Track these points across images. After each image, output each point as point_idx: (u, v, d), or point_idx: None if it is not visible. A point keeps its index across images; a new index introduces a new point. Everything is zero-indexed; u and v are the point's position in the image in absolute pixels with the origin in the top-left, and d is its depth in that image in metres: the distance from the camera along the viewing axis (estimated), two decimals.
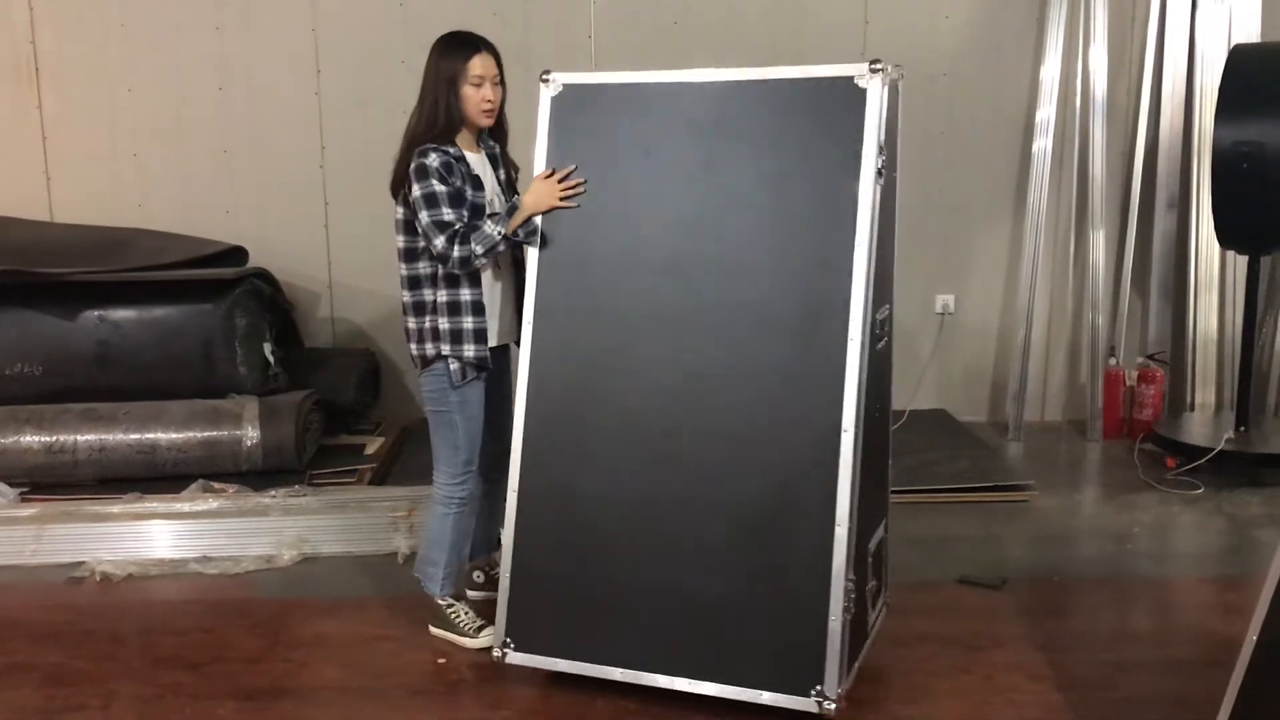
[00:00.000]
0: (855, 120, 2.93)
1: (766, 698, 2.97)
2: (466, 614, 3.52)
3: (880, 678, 3.25)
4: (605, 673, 3.12)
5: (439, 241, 3.17)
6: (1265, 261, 5.23)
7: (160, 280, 5.07)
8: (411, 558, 4.13)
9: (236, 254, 5.43)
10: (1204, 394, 5.66)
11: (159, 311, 5.05)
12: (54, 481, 4.72)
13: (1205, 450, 4.91)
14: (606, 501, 3.14)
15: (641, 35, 5.59)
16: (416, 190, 3.19)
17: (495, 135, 3.44)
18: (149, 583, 4.03)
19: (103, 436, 4.74)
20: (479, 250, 3.16)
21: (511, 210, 3.18)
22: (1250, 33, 5.50)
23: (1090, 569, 4.12)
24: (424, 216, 3.18)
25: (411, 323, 3.36)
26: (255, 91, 5.60)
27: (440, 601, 3.54)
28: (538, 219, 3.18)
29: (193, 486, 4.59)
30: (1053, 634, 3.54)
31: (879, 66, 2.92)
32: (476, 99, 3.28)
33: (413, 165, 3.20)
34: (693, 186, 3.12)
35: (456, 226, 3.17)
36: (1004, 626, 3.59)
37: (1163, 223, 5.69)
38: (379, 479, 4.88)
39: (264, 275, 5.31)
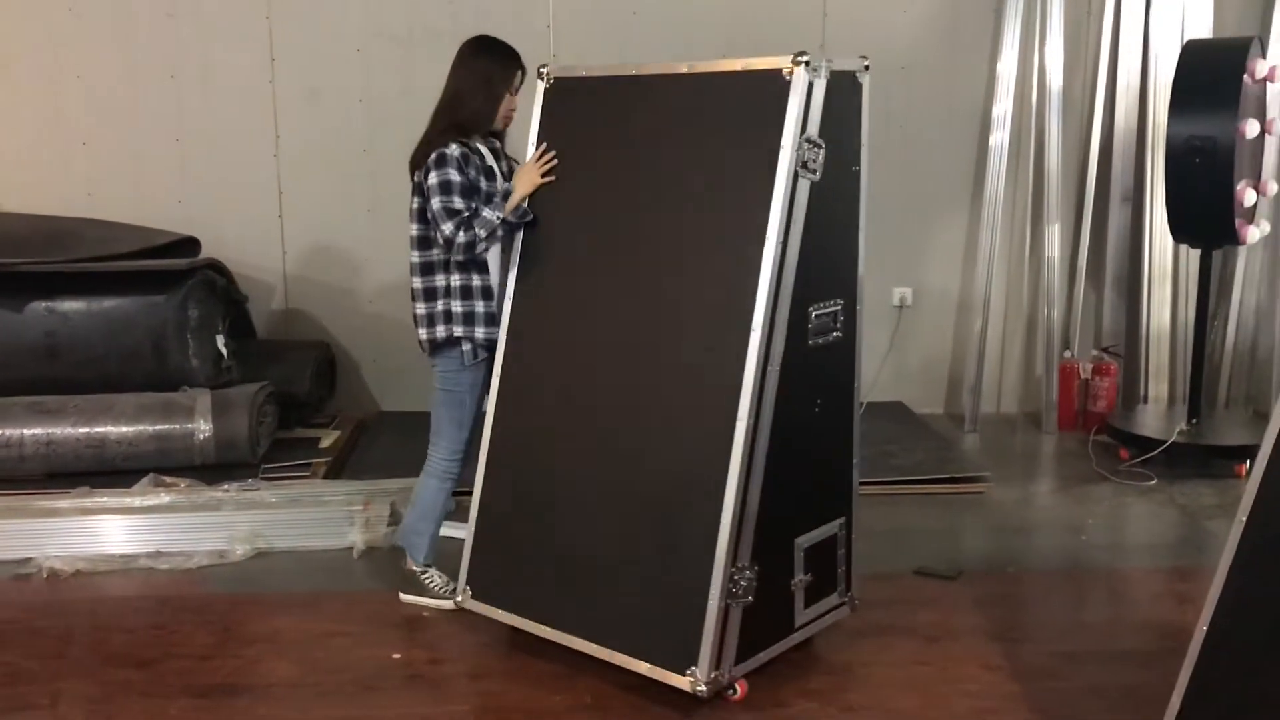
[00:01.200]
0: (778, 114, 2.93)
1: (644, 669, 3.06)
2: (440, 577, 3.69)
3: (837, 669, 3.26)
4: (537, 629, 3.29)
5: (447, 227, 3.32)
6: (1217, 255, 5.30)
7: (110, 271, 4.98)
8: (367, 552, 4.11)
9: (189, 244, 5.35)
10: (1157, 386, 5.73)
11: (109, 303, 4.97)
12: (1, 476, 4.62)
13: (1158, 442, 4.97)
14: (553, 473, 3.33)
15: (601, 26, 5.56)
16: (433, 177, 3.35)
17: (495, 131, 3.59)
18: (98, 579, 3.96)
19: (51, 430, 4.65)
20: (481, 234, 3.32)
21: (505, 195, 3.36)
22: (1203, 28, 5.56)
23: (1045, 560, 4.15)
24: (435, 202, 3.34)
25: (421, 308, 3.50)
26: (208, 79, 5.51)
27: (417, 569, 3.71)
28: (525, 203, 3.36)
29: (144, 481, 4.51)
30: (1008, 624, 3.57)
31: (804, 59, 2.90)
32: (507, 108, 3.52)
33: (434, 153, 3.36)
34: (640, 178, 3.24)
35: (464, 214, 3.33)
36: (960, 617, 3.61)
37: (1117, 217, 5.74)
38: (334, 473, 4.82)
39: (217, 266, 5.23)
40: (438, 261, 3.46)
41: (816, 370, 3.11)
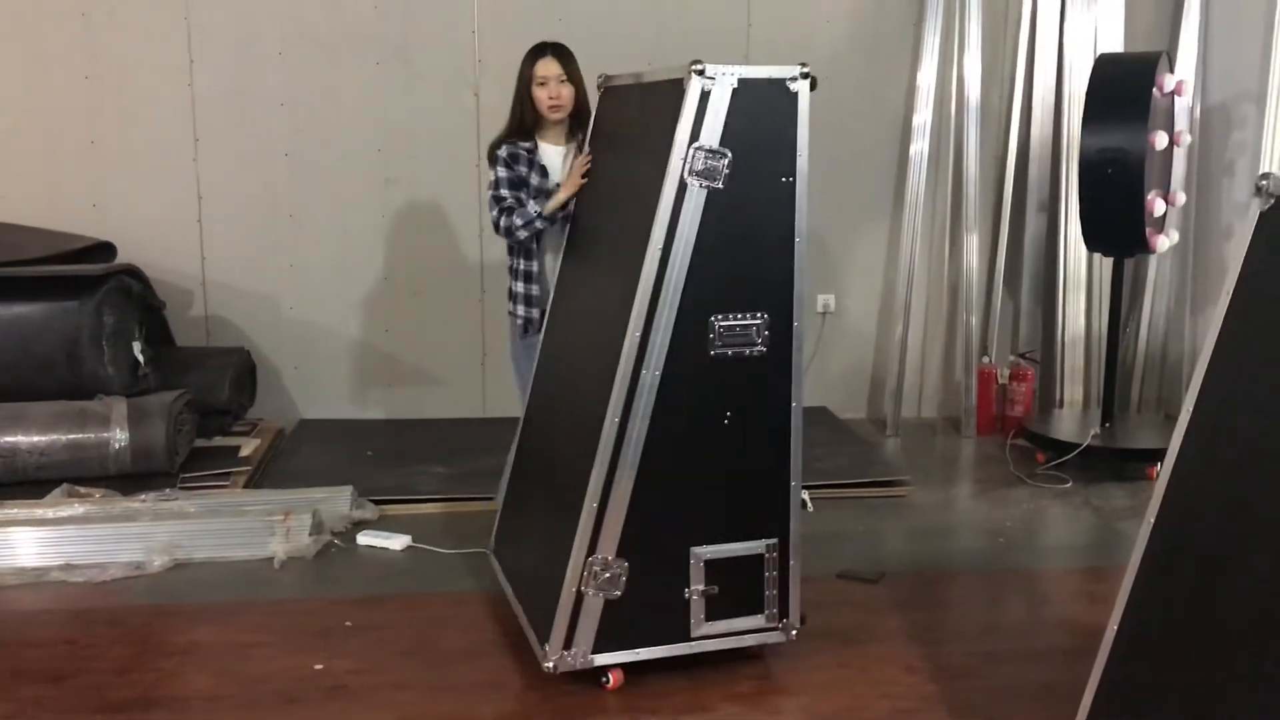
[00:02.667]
0: (674, 122, 2.96)
1: (532, 638, 3.28)
2: None
3: (762, 673, 3.28)
4: (503, 588, 3.66)
5: (492, 214, 3.76)
6: (1129, 264, 5.44)
7: (21, 276, 4.85)
8: (289, 562, 4.05)
9: (104, 250, 5.23)
10: (1072, 391, 5.87)
11: (20, 309, 4.83)
12: None
13: (1073, 446, 5.09)
14: (533, 453, 3.76)
15: (526, 32, 5.52)
16: (490, 174, 3.77)
17: (580, 124, 3.81)
18: (8, 593, 3.84)
19: None
20: (518, 223, 3.69)
21: (550, 196, 3.69)
22: (1115, 43, 5.71)
23: (964, 562, 4.23)
24: (488, 194, 3.77)
25: (509, 283, 3.90)
26: (125, 81, 5.39)
27: None
28: (572, 204, 3.67)
29: (56, 491, 4.40)
30: (928, 626, 3.63)
31: (697, 67, 2.92)
32: (543, 98, 3.72)
33: (491, 155, 3.79)
34: (613, 182, 3.48)
35: (507, 203, 3.71)
36: (881, 620, 3.66)
37: (1034, 225, 5.88)
38: (255, 482, 4.75)
39: (133, 272, 5.12)
40: (509, 246, 3.83)
41: (724, 382, 3.10)
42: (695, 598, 3.19)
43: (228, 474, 4.74)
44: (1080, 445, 5.06)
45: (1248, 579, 2.05)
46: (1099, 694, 2.37)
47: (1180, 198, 5.31)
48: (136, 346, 4.97)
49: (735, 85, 2.95)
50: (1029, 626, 3.69)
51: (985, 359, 5.87)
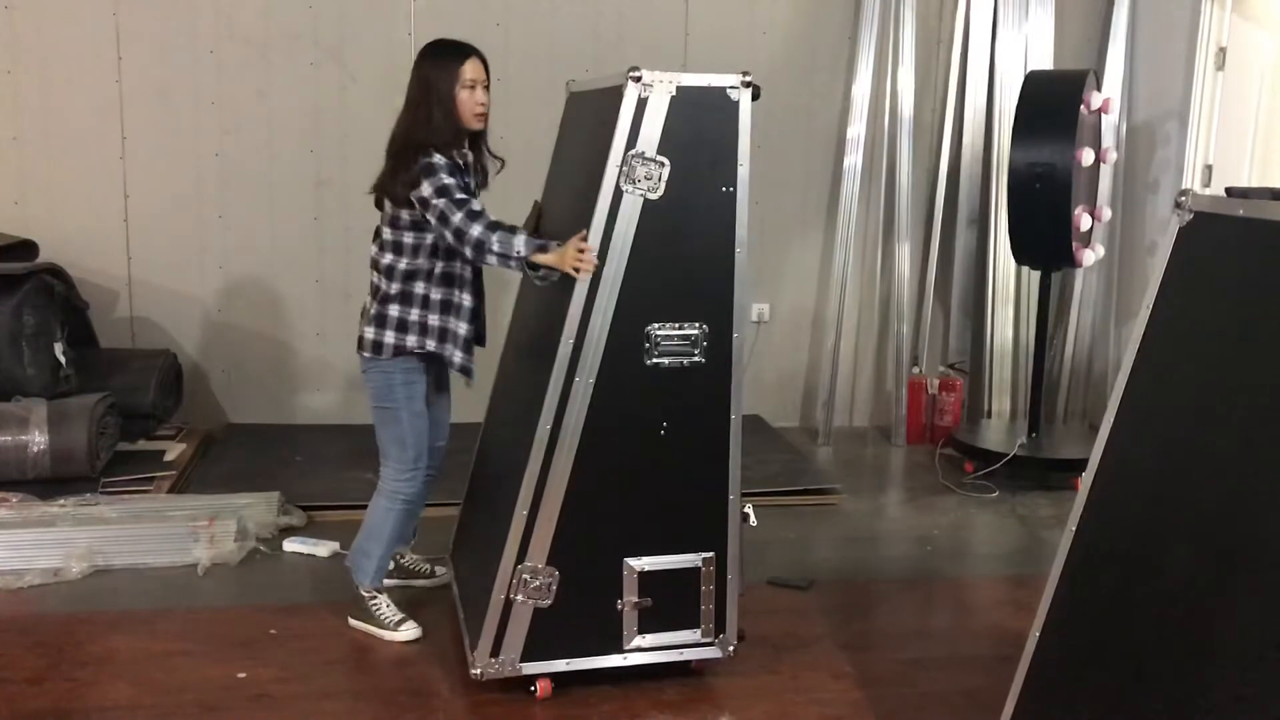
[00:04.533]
0: (612, 129, 2.93)
1: (467, 644, 3.24)
2: (389, 606, 3.55)
3: (691, 680, 3.28)
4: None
5: (457, 216, 3.14)
6: (1056, 277, 5.54)
7: None
8: (212, 569, 3.98)
9: (25, 248, 5.09)
10: (1000, 402, 5.96)
11: None
12: None
13: (1000, 455, 5.16)
14: (486, 460, 3.77)
15: (463, 36, 5.50)
16: (427, 187, 3.17)
17: (478, 135, 3.42)
18: None
19: None
20: (496, 246, 3.12)
21: (543, 248, 3.10)
22: (1045, 60, 5.82)
23: (893, 569, 4.27)
24: (439, 203, 3.17)
25: (394, 310, 3.36)
26: (50, 76, 5.27)
27: (365, 593, 3.55)
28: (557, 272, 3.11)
29: None
30: (856, 633, 3.66)
31: (635, 74, 2.90)
32: (470, 103, 3.30)
33: (420, 165, 3.19)
34: (566, 189, 3.45)
35: (476, 207, 3.19)
36: (811, 627, 3.68)
37: (964, 238, 5.96)
38: (179, 487, 4.65)
39: (56, 271, 5.00)
40: (422, 270, 3.32)
41: (661, 391, 3.06)
42: (628, 609, 3.16)
43: (151, 479, 4.64)
44: (1007, 455, 5.14)
45: (1163, 587, 2.09)
46: (1020, 701, 2.40)
47: (1106, 213, 5.42)
48: (58, 348, 4.85)
49: (674, 93, 2.92)
50: (955, 633, 3.73)
51: (915, 369, 5.94)
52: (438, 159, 3.20)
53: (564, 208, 3.41)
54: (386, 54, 5.45)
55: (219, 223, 5.46)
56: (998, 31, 5.79)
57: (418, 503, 3.56)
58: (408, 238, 3.31)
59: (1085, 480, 2.37)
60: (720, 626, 3.23)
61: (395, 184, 3.24)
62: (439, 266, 3.33)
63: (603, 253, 2.95)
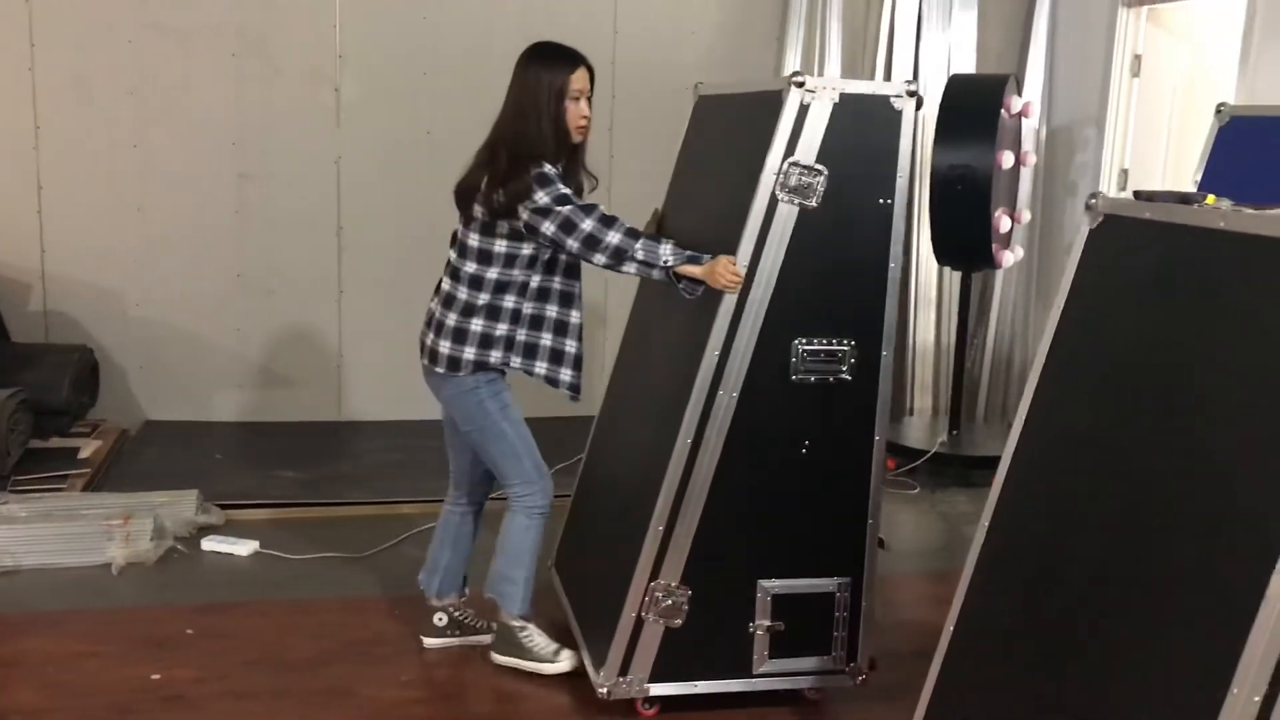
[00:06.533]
0: (770, 135, 2.84)
1: (588, 662, 3.13)
2: (541, 635, 3.30)
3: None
4: (567, 607, 3.50)
5: (588, 222, 2.96)
6: (976, 278, 5.63)
7: None
8: (127, 568, 3.89)
9: None
10: (922, 400, 6.04)
11: None
12: None
13: (922, 452, 5.24)
14: (601, 473, 3.63)
15: (390, 28, 5.47)
16: (544, 196, 2.98)
17: (576, 148, 3.21)
18: None
19: None
20: (641, 255, 2.96)
21: (693, 259, 2.96)
22: (967, 64, 5.91)
23: None
24: (564, 210, 2.97)
25: (478, 324, 3.12)
26: None
27: (515, 624, 3.29)
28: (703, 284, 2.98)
29: None
30: None
31: (799, 79, 2.81)
32: (575, 114, 3.11)
33: (532, 175, 2.99)
34: (705, 193, 3.37)
35: (607, 213, 3.01)
36: None
37: None
38: (94, 485, 4.55)
39: None
40: (516, 282, 3.11)
41: (804, 409, 2.96)
42: (760, 633, 3.05)
43: (65, 477, 4.53)
44: (928, 452, 5.22)
45: (1070, 582, 2.14)
46: (934, 695, 2.43)
47: (1026, 215, 5.53)
48: None
49: (836, 100, 2.84)
50: (876, 629, 3.77)
51: None
52: (549, 169, 3.02)
53: (705, 214, 3.24)
54: (311, 46, 5.38)
55: (137, 216, 5.35)
56: (922, 35, 5.87)
57: (549, 513, 3.29)
58: (500, 246, 3.09)
59: (998, 477, 2.42)
60: (852, 654, 3.13)
61: (498, 193, 3.02)
62: (535, 280, 3.13)
63: (754, 263, 2.85)
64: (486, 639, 3.39)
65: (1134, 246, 2.23)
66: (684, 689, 3.05)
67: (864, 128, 2.88)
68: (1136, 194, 2.35)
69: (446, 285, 3.20)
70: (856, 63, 5.92)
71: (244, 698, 3.13)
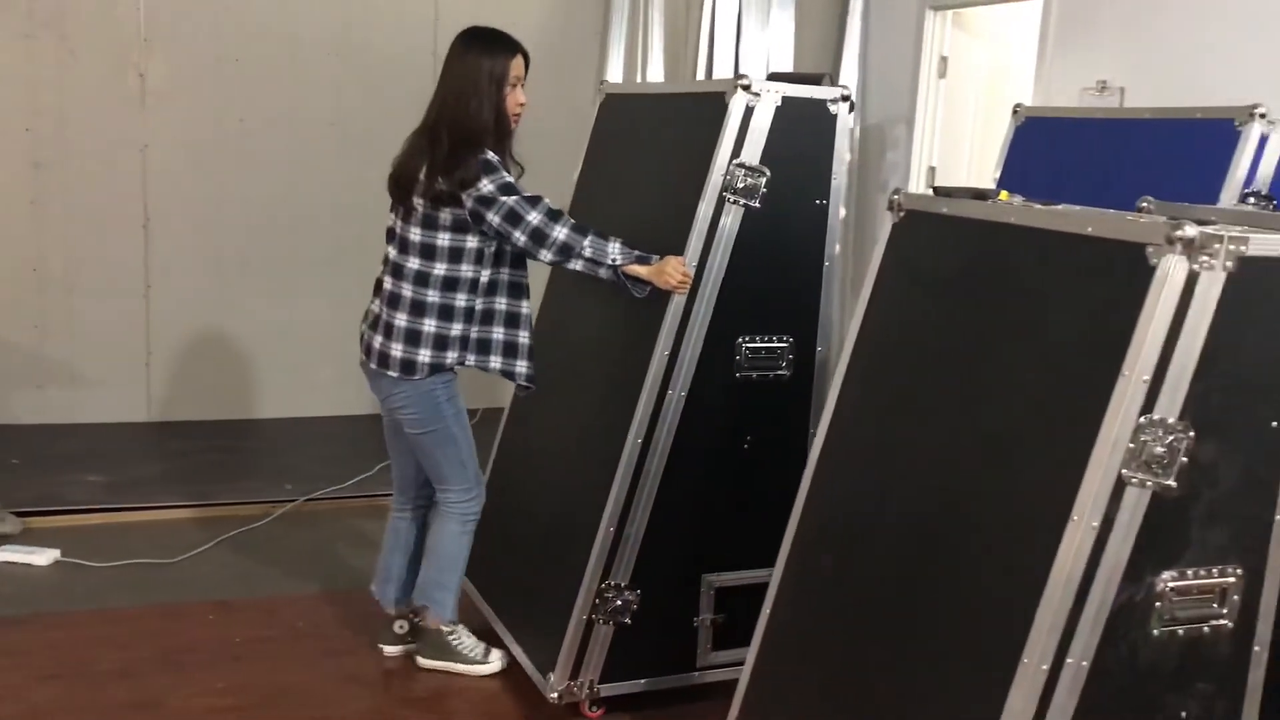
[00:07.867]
0: (715, 137, 2.86)
1: (531, 667, 3.10)
2: (469, 637, 3.28)
3: None
4: (487, 613, 3.41)
5: (533, 215, 2.90)
6: None
7: None
8: None
9: None
10: None
11: None
12: None
13: None
14: (526, 473, 3.50)
15: (197, 11, 5.25)
16: (488, 184, 2.90)
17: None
18: None
19: None
20: (588, 252, 2.92)
21: (641, 259, 2.93)
22: (786, 62, 6.05)
23: None
24: (508, 200, 2.90)
25: (430, 324, 3.00)
26: None
27: (444, 628, 3.25)
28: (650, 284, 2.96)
29: None
30: None
31: (743, 82, 2.84)
32: (514, 102, 3.05)
33: (479, 161, 2.91)
34: (612, 200, 3.36)
35: (553, 206, 2.95)
36: None
37: None
38: None
39: None
40: (465, 278, 2.99)
41: (746, 406, 3.00)
42: (704, 626, 3.07)
43: None
44: None
45: (875, 563, 2.21)
46: (751, 677, 2.49)
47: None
48: None
49: (779, 103, 2.88)
50: None
51: None
52: (493, 156, 2.95)
53: (637, 216, 3.22)
54: (111, 27, 5.12)
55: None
56: (742, 33, 5.97)
57: (479, 519, 3.24)
58: (444, 239, 2.97)
59: (810, 463, 2.48)
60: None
61: (440, 180, 2.91)
62: (485, 275, 3.03)
63: (702, 262, 2.87)
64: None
65: (932, 241, 2.32)
66: (636, 687, 3.06)
67: (801, 130, 2.96)
68: (936, 190, 2.45)
69: (389, 284, 3.06)
70: (679, 58, 5.99)
71: (42, 716, 2.96)
